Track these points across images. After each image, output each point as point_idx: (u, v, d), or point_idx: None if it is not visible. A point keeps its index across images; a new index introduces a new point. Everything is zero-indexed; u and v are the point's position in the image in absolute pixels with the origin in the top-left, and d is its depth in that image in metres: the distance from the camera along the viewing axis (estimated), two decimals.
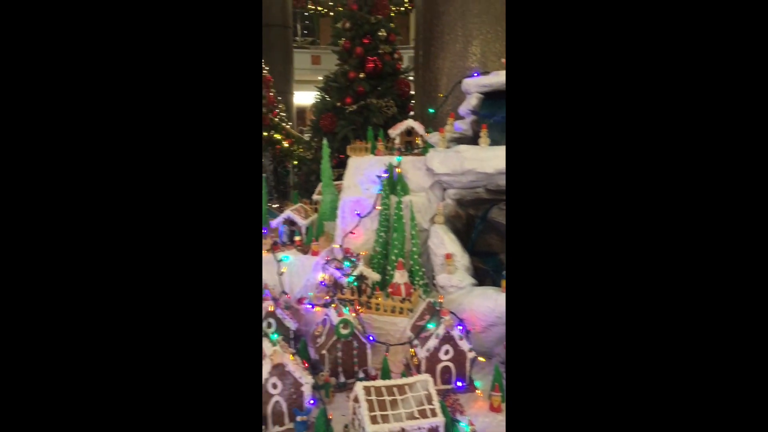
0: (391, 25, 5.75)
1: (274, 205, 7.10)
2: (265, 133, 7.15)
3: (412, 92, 5.78)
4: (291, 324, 2.74)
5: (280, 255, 3.12)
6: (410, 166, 3.29)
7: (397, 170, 3.24)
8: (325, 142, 3.59)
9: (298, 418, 2.10)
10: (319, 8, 20.27)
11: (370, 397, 2.02)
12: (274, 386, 2.11)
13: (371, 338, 2.59)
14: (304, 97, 17.35)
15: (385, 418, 1.95)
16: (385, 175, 3.22)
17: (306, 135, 9.07)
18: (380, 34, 5.59)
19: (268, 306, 2.67)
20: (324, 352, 2.53)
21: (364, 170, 3.35)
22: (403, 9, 17.04)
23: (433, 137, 3.37)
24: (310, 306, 2.88)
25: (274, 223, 3.35)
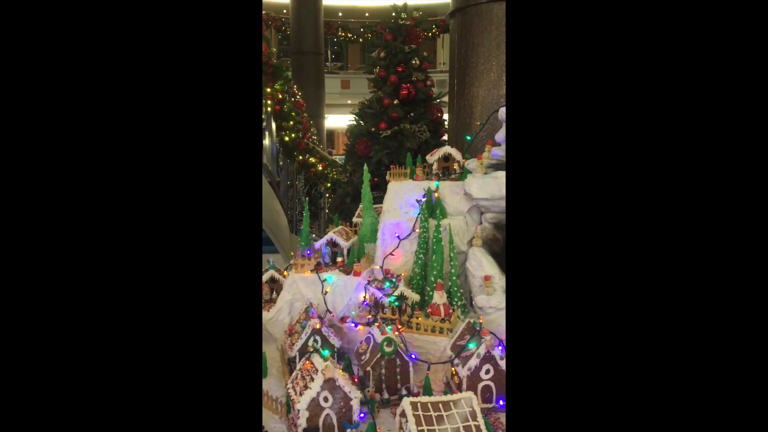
0: (424, 53, 5.96)
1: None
2: (300, 157, 7.42)
3: (445, 117, 5.95)
4: (335, 341, 2.87)
5: (324, 275, 3.27)
6: (448, 191, 3.42)
7: (436, 195, 3.38)
8: (365, 167, 3.76)
9: (348, 431, 2.21)
10: (349, 35, 20.89)
11: (417, 412, 2.12)
12: (326, 399, 2.24)
13: (414, 356, 2.70)
14: (333, 120, 17.76)
15: None
16: (424, 199, 3.36)
17: (335, 156, 9.34)
18: (414, 62, 5.80)
19: (315, 324, 2.81)
20: (368, 368, 2.65)
21: (404, 194, 3.50)
22: (430, 35, 17.40)
23: (471, 163, 3.50)
24: (354, 324, 3.01)
25: (318, 244, 3.52)
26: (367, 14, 20.87)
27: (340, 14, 20.80)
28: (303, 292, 3.29)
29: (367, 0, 20.57)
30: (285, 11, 15.55)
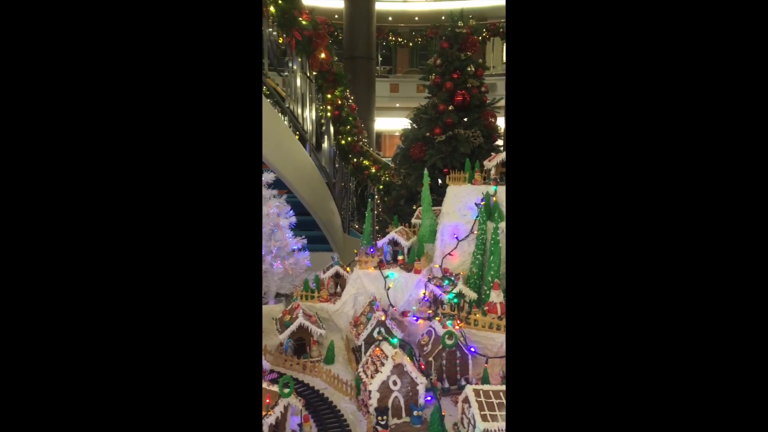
0: (480, 60, 6.10)
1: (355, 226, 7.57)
2: (354, 159, 7.71)
3: (499, 122, 6.07)
4: (398, 333, 3.09)
5: (387, 272, 3.50)
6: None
7: (494, 198, 3.54)
8: (425, 171, 3.96)
9: (415, 413, 2.42)
10: (399, 39, 21.16)
11: (479, 399, 2.30)
12: (395, 383, 2.46)
13: (474, 350, 2.88)
14: (380, 123, 18.02)
15: (493, 418, 2.22)
16: (482, 202, 3.53)
17: (385, 158, 9.58)
18: (469, 69, 5.96)
19: (380, 316, 3.05)
20: (430, 359, 2.85)
21: (462, 198, 3.68)
22: (480, 39, 17.40)
23: None
24: (415, 318, 3.22)
25: (380, 243, 3.75)
26: (416, 18, 21.08)
27: (390, 18, 21.10)
28: (366, 287, 3.53)
29: (417, 4, 20.79)
30: (336, 16, 15.99)
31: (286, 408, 2.25)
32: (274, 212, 3.70)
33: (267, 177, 3.73)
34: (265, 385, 2.31)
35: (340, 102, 6.35)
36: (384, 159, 9.32)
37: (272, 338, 3.45)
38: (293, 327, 3.12)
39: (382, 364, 2.49)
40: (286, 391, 2.24)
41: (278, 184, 3.99)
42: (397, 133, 20.54)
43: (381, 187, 8.09)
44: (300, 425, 2.35)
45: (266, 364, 2.74)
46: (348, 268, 3.88)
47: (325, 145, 6.41)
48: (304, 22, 5.11)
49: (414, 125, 6.31)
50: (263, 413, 2.15)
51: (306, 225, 5.63)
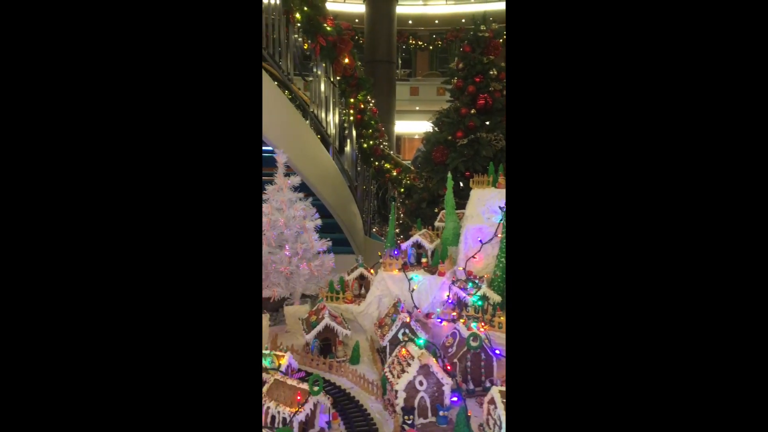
0: (502, 64, 6.11)
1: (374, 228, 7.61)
2: (376, 162, 7.77)
3: None
4: (423, 335, 3.13)
5: (411, 274, 3.55)
6: None
7: None
8: (449, 175, 4.00)
9: (441, 413, 2.46)
10: (419, 42, 21.23)
11: (505, 400, 2.33)
12: (421, 383, 2.50)
13: (499, 352, 2.90)
14: (400, 126, 18.08)
15: None
16: (506, 206, 3.55)
17: (405, 161, 9.63)
18: (491, 72, 5.98)
19: (405, 317, 3.09)
20: (455, 360, 2.88)
21: (486, 201, 3.71)
22: (502, 42, 17.30)
23: None
24: (439, 320, 3.26)
25: (404, 245, 3.80)
26: (436, 21, 21.12)
27: (410, 22, 21.18)
28: (391, 289, 3.58)
29: (438, 7, 20.82)
30: (357, 21, 16.12)
31: (315, 405, 2.31)
32: (301, 215, 3.78)
33: (294, 180, 3.81)
34: (294, 383, 2.38)
35: (362, 106, 6.42)
36: (404, 162, 9.37)
37: (298, 338, 3.52)
38: (319, 327, 3.19)
39: (409, 365, 2.53)
40: (316, 389, 2.30)
41: (303, 188, 4.06)
42: (416, 136, 20.58)
43: (402, 189, 8.14)
44: (328, 423, 2.41)
45: (294, 363, 2.81)
46: (372, 270, 3.94)
47: (348, 148, 6.49)
48: (328, 28, 5.20)
49: (436, 128, 6.35)
50: (293, 410, 2.22)
51: (328, 227, 5.71)
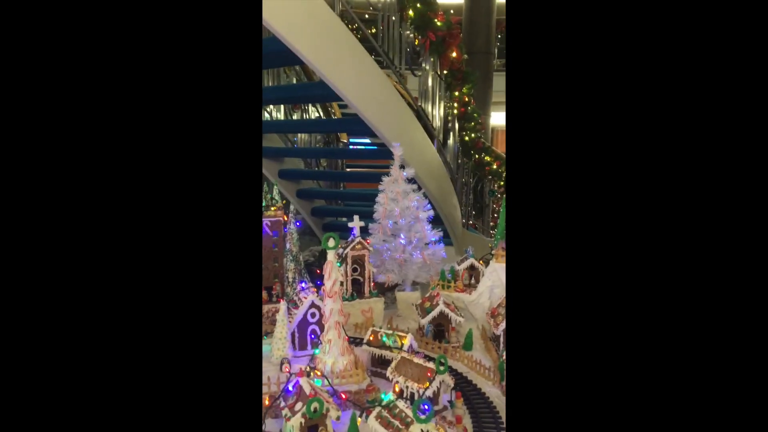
0: None
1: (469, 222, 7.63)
2: (476, 156, 7.78)
3: None
4: None
5: None
6: None
7: None
8: None
9: None
10: None
11: None
12: None
13: None
14: (495, 118, 17.73)
15: None
16: None
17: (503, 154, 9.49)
18: None
19: None
20: None
21: None
22: None
23: None
24: None
25: None
26: None
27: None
28: (502, 280, 3.65)
29: None
30: (452, 12, 15.99)
31: (441, 384, 2.47)
32: (414, 205, 3.95)
33: (409, 171, 3.99)
34: (420, 361, 2.55)
35: (466, 99, 6.47)
36: (503, 155, 9.24)
37: (410, 322, 3.72)
38: (434, 313, 3.34)
39: None
40: (442, 368, 2.45)
41: (412, 180, 4.23)
42: None
43: (502, 183, 8.07)
44: (451, 402, 2.56)
45: (414, 343, 2.99)
46: (481, 261, 4.02)
47: (450, 141, 6.57)
48: (438, 23, 5.30)
49: None
50: (424, 386, 2.39)
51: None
